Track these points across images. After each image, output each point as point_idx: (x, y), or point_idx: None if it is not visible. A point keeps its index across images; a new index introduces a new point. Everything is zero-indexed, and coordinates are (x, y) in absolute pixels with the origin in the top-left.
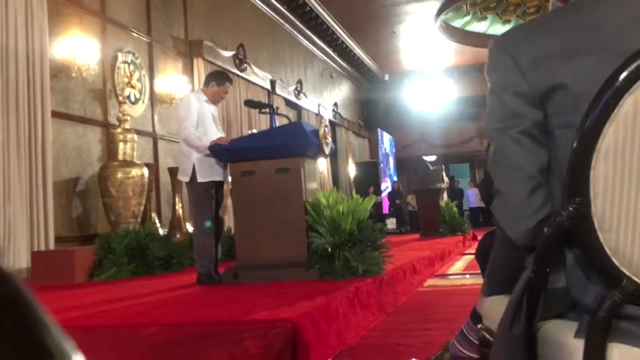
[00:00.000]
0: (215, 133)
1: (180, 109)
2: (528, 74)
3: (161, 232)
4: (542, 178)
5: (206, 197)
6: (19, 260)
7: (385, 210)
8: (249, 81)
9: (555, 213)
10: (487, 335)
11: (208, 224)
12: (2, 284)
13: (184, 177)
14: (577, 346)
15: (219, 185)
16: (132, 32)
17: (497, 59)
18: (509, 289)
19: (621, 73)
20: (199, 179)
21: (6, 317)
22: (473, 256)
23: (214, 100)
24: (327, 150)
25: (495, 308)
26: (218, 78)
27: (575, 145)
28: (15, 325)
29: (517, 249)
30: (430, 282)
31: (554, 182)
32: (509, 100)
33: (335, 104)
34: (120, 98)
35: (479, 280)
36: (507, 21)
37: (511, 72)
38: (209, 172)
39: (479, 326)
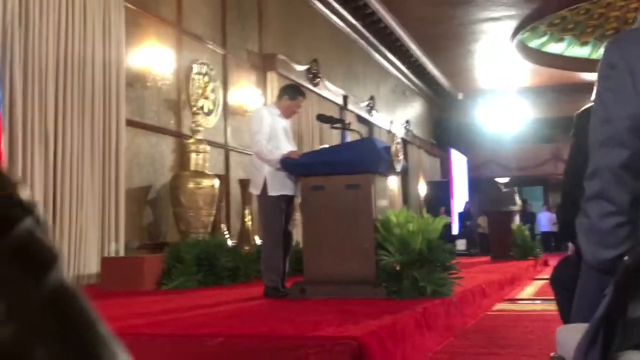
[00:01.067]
0: (287, 147)
1: (252, 122)
2: None
3: (230, 243)
4: (632, 212)
5: (276, 210)
6: (89, 265)
7: (455, 230)
8: (321, 96)
9: (638, 242)
10: None
11: None
12: (65, 305)
13: (255, 190)
14: None
15: (289, 199)
16: (208, 43)
17: (612, 63)
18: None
19: None
20: (270, 193)
21: (69, 343)
22: (544, 281)
23: (287, 114)
24: (398, 168)
25: (570, 336)
26: (291, 92)
27: None
28: (78, 350)
29: (605, 278)
30: (500, 306)
31: None
32: (615, 120)
33: (408, 122)
34: (194, 109)
35: (550, 307)
36: (586, 43)
37: (625, 87)
38: (280, 185)
39: (552, 354)
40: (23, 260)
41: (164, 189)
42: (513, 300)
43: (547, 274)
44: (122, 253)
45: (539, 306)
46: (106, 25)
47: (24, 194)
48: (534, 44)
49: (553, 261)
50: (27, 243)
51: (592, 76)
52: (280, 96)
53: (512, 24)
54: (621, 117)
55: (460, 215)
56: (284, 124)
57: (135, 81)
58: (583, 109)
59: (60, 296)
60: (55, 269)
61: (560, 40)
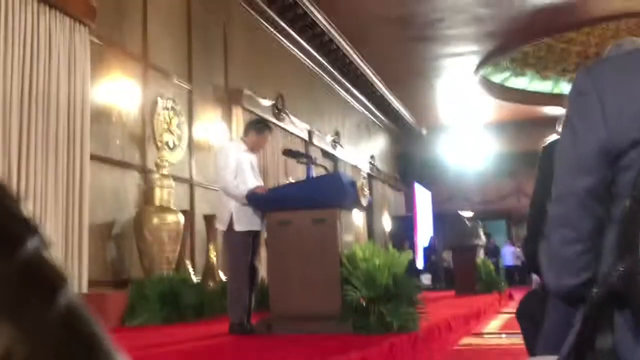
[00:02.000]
0: (254, 182)
1: (218, 157)
2: (611, 125)
3: (194, 279)
4: (594, 240)
5: (243, 246)
6: None
7: (420, 265)
8: (286, 131)
9: (606, 274)
10: None
11: None
12: (76, 326)
13: (221, 226)
14: None
15: (256, 234)
16: (173, 78)
17: (582, 90)
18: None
19: None
20: (237, 228)
21: (65, 336)
22: (509, 315)
23: (254, 148)
24: (364, 203)
25: None
26: (258, 127)
27: (628, 204)
28: (75, 343)
29: (572, 309)
30: (466, 340)
31: (606, 241)
32: (584, 147)
33: (372, 157)
34: (159, 144)
35: (516, 340)
36: (547, 77)
37: (595, 115)
38: (247, 221)
39: None
40: (33, 281)
41: (128, 225)
42: (479, 335)
43: (512, 307)
44: (85, 290)
45: (505, 340)
46: (71, 59)
47: (26, 210)
48: (497, 78)
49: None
50: (35, 263)
51: (554, 110)
52: (247, 131)
53: (475, 60)
54: (589, 144)
55: (425, 249)
56: (251, 158)
57: (101, 116)
58: (549, 142)
59: (72, 317)
60: (65, 288)
61: (522, 74)
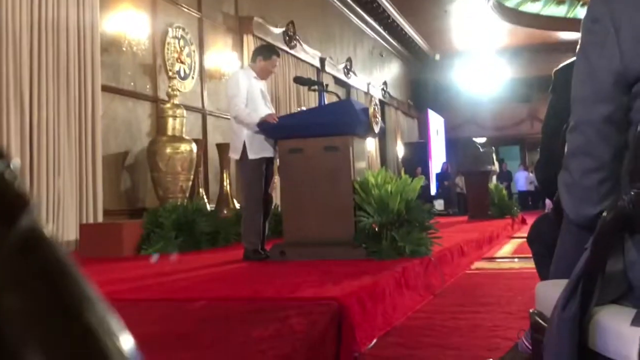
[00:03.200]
0: (264, 109)
1: (229, 86)
2: (626, 52)
3: (209, 207)
4: (614, 167)
5: (256, 174)
6: (68, 232)
7: (433, 191)
8: (298, 59)
9: (617, 197)
10: (539, 320)
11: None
12: (38, 251)
13: (234, 155)
14: (634, 334)
15: (269, 161)
16: (183, 7)
17: (596, 17)
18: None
19: None
20: (250, 156)
21: (42, 290)
22: (521, 239)
23: (263, 75)
24: (376, 129)
25: (550, 291)
26: (264, 52)
27: (639, 128)
28: (52, 299)
29: (585, 233)
30: (478, 264)
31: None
32: (600, 75)
33: (385, 83)
34: (170, 73)
35: (528, 264)
36: (562, 2)
37: (609, 42)
38: (260, 149)
39: (531, 310)
40: None
41: (142, 155)
42: (491, 259)
43: (524, 232)
44: (100, 219)
45: (517, 264)
46: None
47: None
48: (511, 3)
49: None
50: None
51: (568, 35)
52: (254, 58)
53: None
54: (605, 72)
55: (438, 175)
56: (261, 86)
57: (110, 46)
58: (562, 65)
59: (33, 242)
60: (27, 213)
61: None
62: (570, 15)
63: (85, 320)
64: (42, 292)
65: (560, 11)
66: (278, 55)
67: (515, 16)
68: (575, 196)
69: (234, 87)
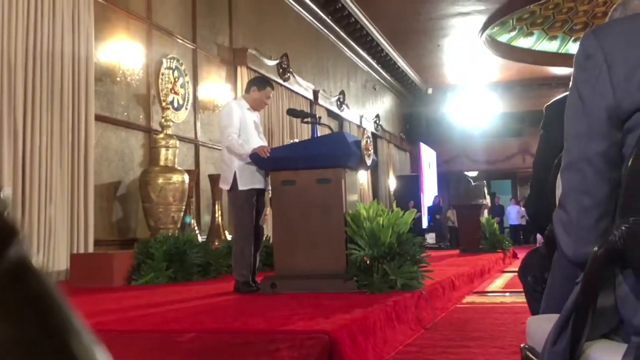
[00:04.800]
0: (257, 140)
1: (222, 116)
2: (618, 88)
3: (200, 238)
4: (611, 203)
5: (247, 205)
6: (58, 262)
7: (425, 224)
8: (292, 91)
9: (607, 232)
10: (531, 355)
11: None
12: (26, 281)
13: (225, 185)
14: None
15: (260, 193)
16: (177, 38)
17: (589, 53)
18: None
19: None
20: (240, 187)
21: (30, 320)
22: (513, 274)
23: (256, 106)
24: (368, 162)
25: (540, 326)
26: (259, 83)
27: (631, 162)
28: (39, 329)
29: (576, 268)
30: (469, 298)
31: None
32: (593, 112)
33: (378, 116)
34: (164, 104)
35: (519, 299)
36: (554, 37)
37: (602, 78)
38: (250, 180)
39: (522, 345)
40: None
41: (134, 185)
42: (482, 293)
43: (516, 266)
44: (91, 249)
45: (508, 298)
46: (75, 19)
47: None
48: (503, 38)
49: (522, 254)
50: None
51: (560, 70)
52: (248, 89)
53: (482, 19)
54: (598, 109)
55: (430, 208)
56: (254, 117)
57: (105, 76)
58: (553, 100)
59: (21, 273)
60: (15, 244)
61: (529, 34)
62: (562, 50)
63: (71, 351)
64: (30, 323)
65: (552, 46)
66: (272, 88)
67: (508, 51)
68: (573, 235)
69: (226, 118)
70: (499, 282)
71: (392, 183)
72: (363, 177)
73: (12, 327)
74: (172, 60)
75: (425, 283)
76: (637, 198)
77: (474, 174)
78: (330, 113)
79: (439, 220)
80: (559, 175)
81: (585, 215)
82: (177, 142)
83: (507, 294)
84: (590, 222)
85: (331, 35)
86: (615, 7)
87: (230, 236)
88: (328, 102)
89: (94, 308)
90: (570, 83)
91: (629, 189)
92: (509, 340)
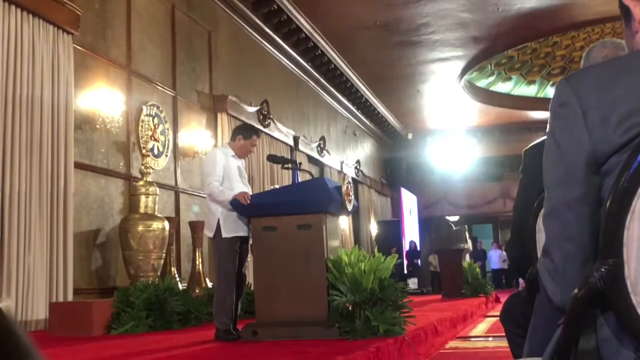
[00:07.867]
0: (241, 187)
1: (205, 163)
2: (594, 133)
3: (180, 286)
4: (594, 246)
5: (230, 252)
6: (37, 311)
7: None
8: (272, 137)
9: (588, 274)
10: None
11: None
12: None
13: (208, 232)
14: None
15: (243, 240)
16: (157, 85)
17: (563, 101)
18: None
19: None
20: (224, 235)
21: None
22: (496, 318)
23: (241, 154)
24: (349, 208)
25: None
26: (245, 131)
27: (608, 205)
28: None
29: (557, 311)
30: (453, 344)
31: None
32: (570, 158)
33: (358, 162)
34: (144, 151)
35: (502, 343)
36: (532, 82)
37: (578, 124)
38: (234, 227)
39: None
40: None
41: (114, 232)
42: (466, 338)
43: (498, 310)
44: (70, 298)
45: (491, 343)
46: (55, 66)
47: None
48: (482, 83)
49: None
50: None
51: (539, 115)
52: (234, 136)
53: (460, 64)
54: (576, 155)
55: (407, 252)
56: (238, 164)
57: (84, 123)
58: (531, 145)
59: (9, 347)
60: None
61: (508, 79)
62: (541, 94)
63: None
64: None
65: (530, 91)
66: (258, 136)
67: (486, 96)
68: (560, 282)
69: (210, 165)
70: (482, 327)
71: (373, 228)
72: (344, 222)
73: None
74: (152, 107)
75: (408, 329)
76: (615, 240)
77: (455, 218)
78: (311, 159)
79: (417, 264)
80: (539, 219)
81: (569, 261)
82: (157, 189)
83: (490, 338)
84: (575, 267)
85: (311, 82)
86: (587, 51)
87: (211, 283)
88: (309, 147)
89: (73, 358)
90: (547, 130)
91: (607, 231)
92: None
